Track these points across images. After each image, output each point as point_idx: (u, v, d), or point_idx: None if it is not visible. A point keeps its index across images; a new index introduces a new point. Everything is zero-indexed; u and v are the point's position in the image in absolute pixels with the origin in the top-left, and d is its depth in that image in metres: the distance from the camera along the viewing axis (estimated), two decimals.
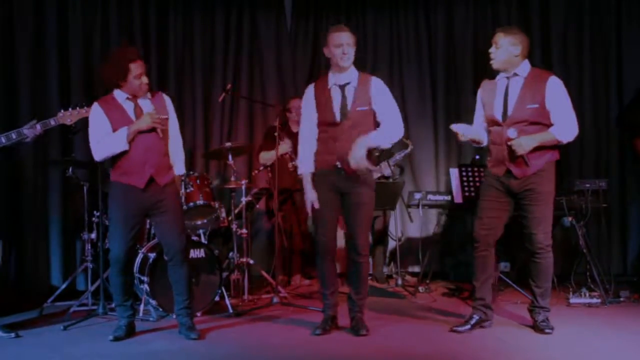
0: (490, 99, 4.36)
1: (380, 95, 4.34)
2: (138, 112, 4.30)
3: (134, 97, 4.33)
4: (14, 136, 4.36)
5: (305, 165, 4.38)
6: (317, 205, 4.28)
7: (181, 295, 4.40)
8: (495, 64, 4.32)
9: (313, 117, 4.34)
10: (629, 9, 6.67)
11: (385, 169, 6.11)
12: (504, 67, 4.31)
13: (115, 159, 4.31)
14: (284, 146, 5.90)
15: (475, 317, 4.41)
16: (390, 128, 4.30)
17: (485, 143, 4.48)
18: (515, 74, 4.29)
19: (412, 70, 7.08)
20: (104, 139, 4.27)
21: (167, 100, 4.49)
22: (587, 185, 5.52)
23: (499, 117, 4.28)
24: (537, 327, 4.35)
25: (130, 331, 4.42)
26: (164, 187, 4.31)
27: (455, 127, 4.35)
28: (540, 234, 4.29)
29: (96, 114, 4.31)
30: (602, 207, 5.60)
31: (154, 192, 4.28)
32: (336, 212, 4.35)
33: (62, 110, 4.41)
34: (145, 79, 4.30)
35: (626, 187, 6.65)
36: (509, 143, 4.19)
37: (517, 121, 4.21)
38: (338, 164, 4.24)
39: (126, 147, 4.23)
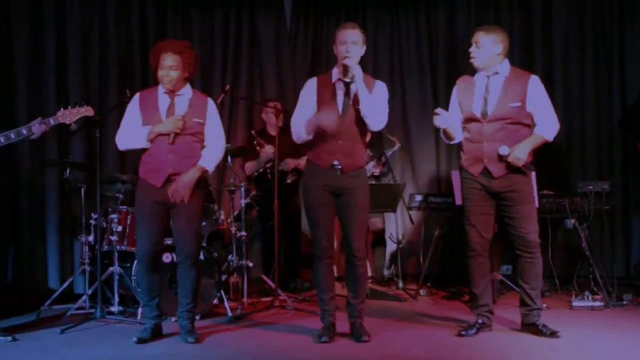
0: (468, 96, 4.36)
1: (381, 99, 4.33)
2: (171, 109, 4.32)
3: (172, 93, 4.34)
4: (24, 131, 4.37)
5: (300, 126, 4.27)
6: (333, 117, 4.15)
7: (185, 298, 4.40)
8: (476, 62, 4.34)
9: (310, 111, 4.25)
10: (632, 9, 6.69)
11: (374, 168, 6.12)
12: (485, 66, 4.33)
13: (140, 156, 4.37)
14: (268, 151, 5.88)
15: (480, 322, 4.41)
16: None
17: (457, 140, 4.47)
18: (496, 73, 4.32)
19: (413, 72, 7.09)
20: (130, 131, 4.33)
21: (210, 104, 4.44)
22: (590, 187, 5.52)
23: (478, 114, 4.29)
24: (541, 332, 4.30)
25: (156, 333, 4.39)
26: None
27: (439, 110, 4.32)
28: (532, 233, 4.31)
29: (132, 104, 4.42)
30: (605, 209, 5.60)
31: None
32: (332, 214, 4.33)
33: (61, 109, 4.41)
34: (169, 72, 4.25)
35: (629, 189, 6.66)
36: (507, 159, 4.19)
37: (498, 118, 4.24)
38: (336, 162, 4.22)
39: (145, 145, 4.28)
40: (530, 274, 4.36)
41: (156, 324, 4.42)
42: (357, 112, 4.21)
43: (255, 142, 5.89)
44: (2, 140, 4.35)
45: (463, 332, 4.36)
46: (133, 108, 4.40)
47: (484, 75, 4.35)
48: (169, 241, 4.77)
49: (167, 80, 4.30)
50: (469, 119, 4.34)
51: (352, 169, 4.25)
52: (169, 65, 4.27)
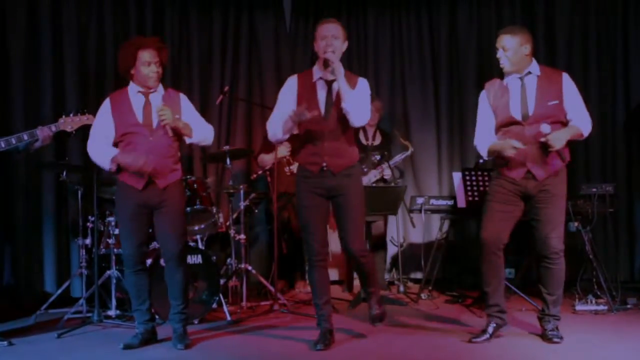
0: (502, 100, 4.31)
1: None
2: (147, 108, 4.30)
3: (146, 91, 4.33)
4: (13, 141, 4.37)
5: (277, 125, 4.25)
6: (308, 111, 4.08)
7: (175, 300, 4.39)
8: (507, 67, 4.28)
9: (288, 110, 4.18)
10: (636, 8, 6.69)
11: (386, 171, 6.12)
12: (517, 69, 4.28)
13: None
14: (283, 149, 5.92)
15: (493, 325, 4.37)
16: None
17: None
18: (529, 73, 4.29)
19: (414, 72, 7.10)
20: (97, 145, 4.31)
21: (183, 99, 4.45)
22: (594, 189, 5.52)
23: (518, 117, 4.24)
24: (545, 336, 4.32)
25: (147, 339, 4.38)
26: (164, 189, 4.30)
27: (517, 144, 4.17)
28: (555, 238, 4.27)
29: (103, 111, 4.35)
30: (609, 212, 5.60)
31: (153, 193, 4.28)
32: (325, 217, 4.32)
33: (63, 116, 4.42)
34: (154, 68, 4.27)
35: (633, 192, 6.65)
36: (544, 138, 4.12)
37: (540, 118, 4.20)
38: (324, 164, 4.20)
39: (108, 169, 4.29)
40: (547, 279, 4.35)
41: (148, 329, 4.42)
42: (340, 110, 4.15)
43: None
44: (2, 145, 4.36)
45: (474, 339, 4.32)
46: (102, 117, 4.33)
47: (516, 78, 4.30)
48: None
49: (155, 77, 4.29)
50: (508, 123, 4.27)
51: (342, 168, 4.22)
52: (154, 61, 4.27)
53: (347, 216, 4.25)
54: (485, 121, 4.39)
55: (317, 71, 4.26)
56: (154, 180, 4.27)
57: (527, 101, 4.25)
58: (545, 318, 4.38)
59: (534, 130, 4.19)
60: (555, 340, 4.26)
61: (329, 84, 4.22)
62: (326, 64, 4.13)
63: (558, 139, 4.12)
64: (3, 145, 4.35)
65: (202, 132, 4.45)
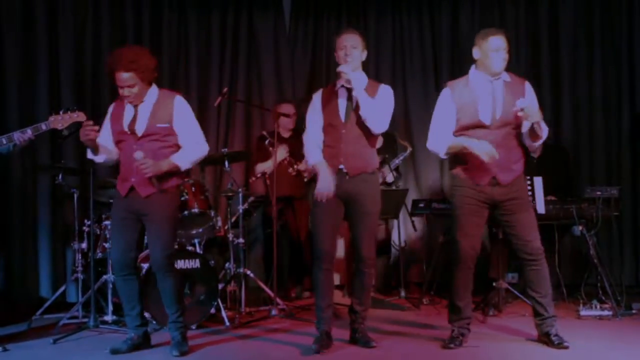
0: (469, 100, 4.29)
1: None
2: (133, 122, 4.31)
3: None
4: (4, 140, 4.38)
5: (314, 154, 4.36)
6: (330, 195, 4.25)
7: (169, 308, 4.39)
8: (501, 68, 4.28)
9: (319, 122, 4.39)
10: None
11: (388, 174, 6.13)
12: (501, 72, 4.31)
13: (117, 165, 4.47)
14: (282, 151, 5.94)
15: (462, 334, 4.41)
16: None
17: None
18: (500, 77, 4.31)
19: (415, 74, 7.12)
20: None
21: (177, 103, 4.37)
22: (598, 192, 5.51)
23: (487, 120, 4.25)
24: (550, 342, 4.29)
25: (137, 345, 4.38)
26: (147, 197, 4.27)
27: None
28: (535, 240, 4.32)
29: (107, 115, 4.46)
30: (614, 215, 5.60)
31: (136, 201, 4.29)
32: (337, 220, 4.37)
33: (53, 114, 4.42)
34: (127, 92, 4.23)
35: (639, 195, 6.66)
36: (521, 113, 4.10)
37: (505, 124, 4.24)
38: (342, 166, 4.30)
39: (92, 158, 4.40)
40: (539, 281, 4.35)
41: (139, 334, 4.41)
42: (359, 118, 4.30)
43: (267, 142, 5.89)
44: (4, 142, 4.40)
45: (451, 345, 4.34)
46: (106, 120, 4.45)
47: (486, 80, 4.30)
48: None
49: (132, 97, 4.27)
50: (473, 126, 4.27)
51: (359, 172, 4.29)
52: (128, 85, 4.23)
53: (361, 222, 4.32)
54: (445, 119, 4.36)
55: (339, 80, 4.41)
56: (136, 188, 4.28)
57: (495, 105, 4.26)
58: (546, 322, 4.35)
59: (498, 135, 4.22)
60: (565, 344, 4.23)
61: (350, 90, 4.35)
62: (339, 74, 4.30)
63: (535, 113, 4.11)
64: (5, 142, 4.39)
65: (191, 155, 4.36)
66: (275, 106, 6.41)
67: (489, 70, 4.27)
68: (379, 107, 4.29)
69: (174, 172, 4.32)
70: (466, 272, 4.39)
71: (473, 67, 4.38)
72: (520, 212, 4.30)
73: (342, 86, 4.38)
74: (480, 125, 4.25)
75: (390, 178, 6.15)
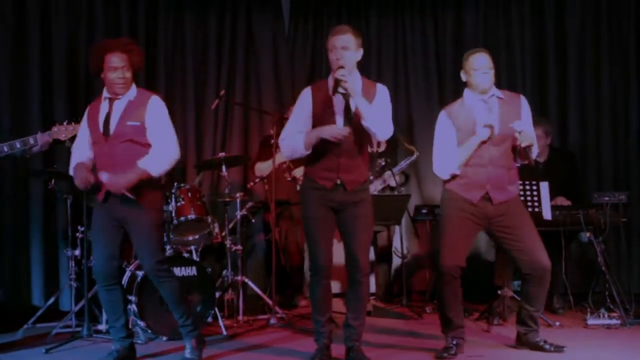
0: (467, 120, 4.40)
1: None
2: (108, 117, 4.24)
3: (112, 97, 4.27)
4: (18, 145, 4.42)
5: (298, 140, 4.17)
6: (344, 132, 4.05)
7: (174, 314, 4.37)
8: (488, 86, 4.39)
9: (305, 123, 4.19)
10: None
11: (390, 179, 6.13)
12: (489, 89, 4.40)
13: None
14: (282, 154, 5.93)
15: (455, 343, 4.45)
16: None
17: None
18: (492, 95, 4.41)
19: (418, 75, 7.13)
20: (75, 149, 4.37)
21: (152, 102, 4.27)
22: (606, 198, 5.51)
23: (486, 137, 4.37)
24: (546, 350, 4.39)
25: (123, 357, 4.31)
26: (124, 202, 4.17)
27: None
28: (542, 254, 4.36)
29: (84, 118, 4.39)
30: (622, 221, 5.60)
31: (115, 207, 4.22)
32: (331, 231, 4.29)
33: (57, 125, 4.47)
34: (120, 74, 4.19)
35: None
36: (518, 134, 4.24)
37: (503, 140, 4.36)
38: (338, 181, 4.16)
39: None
40: (539, 296, 4.44)
41: (125, 346, 4.34)
42: (358, 127, 4.11)
43: (272, 142, 5.89)
44: (6, 149, 4.41)
45: (445, 355, 4.36)
46: (83, 124, 4.39)
47: (478, 99, 4.40)
48: None
49: (121, 83, 4.22)
50: None
51: (356, 185, 4.20)
52: (122, 66, 4.20)
53: (355, 227, 4.23)
54: (449, 140, 4.45)
55: (331, 81, 4.17)
56: (111, 193, 4.21)
57: (493, 122, 4.36)
58: (532, 334, 4.48)
59: (495, 152, 4.33)
60: (561, 347, 4.38)
61: (346, 97, 4.11)
62: (337, 85, 4.03)
63: (530, 138, 4.28)
64: (6, 150, 4.40)
65: (159, 159, 4.22)
66: (288, 108, 6.40)
67: (477, 89, 4.39)
68: (380, 113, 4.13)
69: (148, 179, 4.19)
70: (453, 283, 4.44)
71: (466, 89, 4.50)
72: (520, 228, 4.36)
73: (339, 93, 4.09)
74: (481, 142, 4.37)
75: (393, 182, 6.15)
